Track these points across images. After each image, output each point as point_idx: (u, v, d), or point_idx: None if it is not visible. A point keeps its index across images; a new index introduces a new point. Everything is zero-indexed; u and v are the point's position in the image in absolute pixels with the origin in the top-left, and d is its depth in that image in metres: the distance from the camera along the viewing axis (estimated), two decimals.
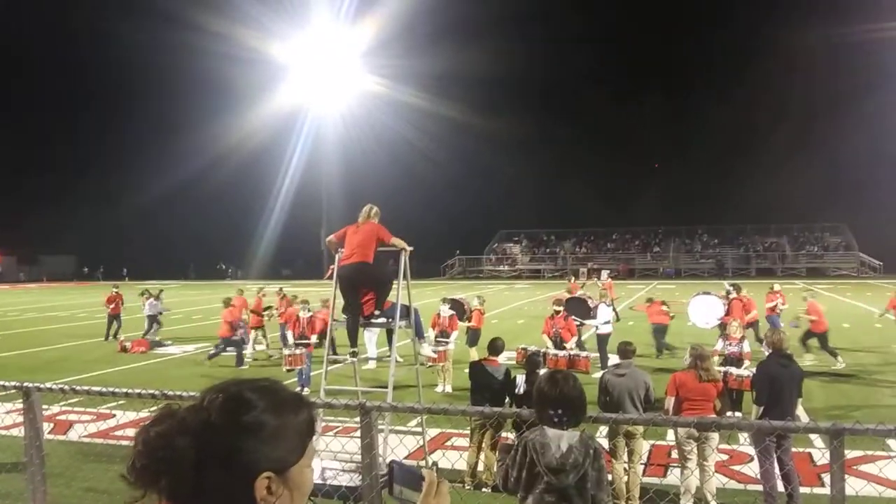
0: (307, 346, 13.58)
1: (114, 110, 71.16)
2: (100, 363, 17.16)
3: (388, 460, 1.63)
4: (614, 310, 23.79)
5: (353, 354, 8.31)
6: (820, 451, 8.71)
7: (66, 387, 5.51)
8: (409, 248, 8.23)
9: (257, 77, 56.68)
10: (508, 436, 8.03)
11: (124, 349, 19.17)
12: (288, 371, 13.19)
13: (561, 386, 3.84)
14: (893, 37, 48.02)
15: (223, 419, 1.32)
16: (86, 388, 5.37)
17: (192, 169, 61.39)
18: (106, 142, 72.65)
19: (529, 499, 3.88)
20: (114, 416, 11.55)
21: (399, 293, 8.39)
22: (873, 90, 54.23)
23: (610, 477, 7.79)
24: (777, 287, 18.19)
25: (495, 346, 8.92)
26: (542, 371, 8.10)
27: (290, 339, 13.87)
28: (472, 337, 15.55)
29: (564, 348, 12.58)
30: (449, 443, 9.81)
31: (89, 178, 70.20)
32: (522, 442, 3.97)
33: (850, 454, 8.13)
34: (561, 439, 3.78)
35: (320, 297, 18.58)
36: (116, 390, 4.92)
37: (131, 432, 9.94)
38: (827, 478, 3.77)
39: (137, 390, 4.87)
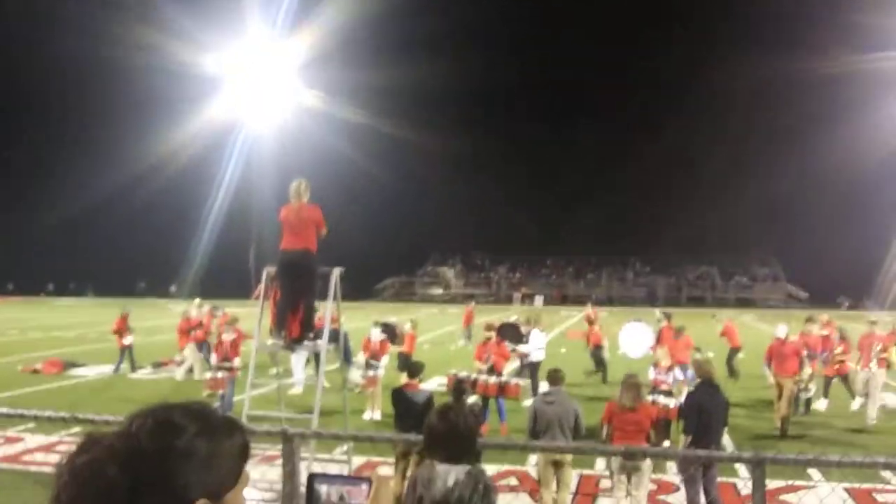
0: (230, 369, 13.17)
1: (35, 121, 69.07)
2: (8, 385, 16.37)
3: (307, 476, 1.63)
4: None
5: (280, 336, 8.07)
6: (743, 481, 8.81)
7: None
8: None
9: (189, 90, 55.66)
10: None
11: (36, 370, 18.39)
12: (208, 396, 12.77)
13: (450, 420, 3.76)
14: (826, 74, 50.00)
15: (154, 445, 1.25)
16: None
17: (119, 184, 59.92)
18: (24, 153, 70.38)
19: None
20: (23, 439, 11.02)
21: (328, 315, 8.21)
22: (803, 126, 56.50)
23: None
24: (825, 318, 16.46)
25: (413, 370, 8.78)
26: (470, 398, 8.01)
27: (213, 362, 13.46)
28: (403, 362, 15.38)
29: (497, 374, 12.45)
30: (376, 472, 9.58)
31: (3, 189, 67.81)
32: (413, 477, 3.92)
33: (772, 484, 8.25)
34: (448, 474, 3.69)
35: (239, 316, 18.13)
36: (25, 412, 4.66)
37: (41, 457, 9.52)
38: None
39: (48, 413, 4.59)
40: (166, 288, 67.21)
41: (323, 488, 1.67)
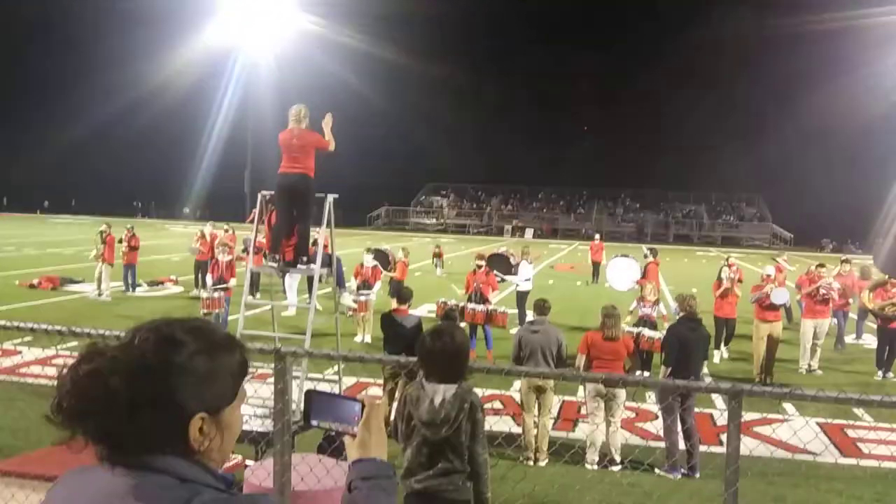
0: (225, 289, 13.36)
1: (24, 45, 67.61)
2: (5, 298, 16.54)
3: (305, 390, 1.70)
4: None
5: (274, 259, 8.19)
6: (720, 412, 9.11)
7: None
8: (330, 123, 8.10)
9: (185, 14, 54.23)
10: None
11: (32, 285, 18.55)
12: (205, 314, 12.99)
13: (442, 339, 3.88)
14: (820, 25, 49.39)
15: (157, 359, 1.29)
16: None
17: (114, 109, 59.07)
18: (21, 74, 69.05)
19: (408, 451, 3.96)
20: (20, 352, 11.19)
21: (321, 240, 8.32)
22: (794, 72, 55.99)
23: (520, 429, 8.02)
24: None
25: (402, 295, 8.93)
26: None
27: (209, 282, 13.63)
28: (395, 288, 15.58)
29: (484, 302, 12.64)
30: (365, 392, 9.85)
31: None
32: (402, 396, 4.06)
33: (748, 416, 8.54)
34: (436, 393, 3.83)
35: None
36: (22, 325, 4.74)
37: (38, 369, 9.70)
38: (725, 437, 3.95)
39: (44, 325, 4.70)
40: (165, 210, 67.11)
41: (315, 406, 1.72)
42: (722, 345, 13.19)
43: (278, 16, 54.99)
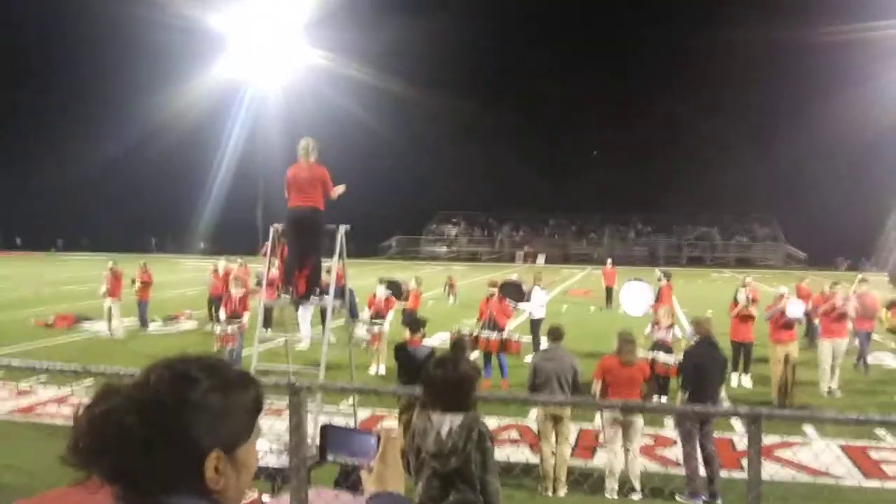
0: (239, 324, 13.36)
1: (43, 77, 68.50)
2: (21, 337, 16.62)
3: (320, 424, 1.68)
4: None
5: (287, 292, 8.19)
6: (740, 437, 8.99)
7: None
8: (341, 190, 8.16)
9: (194, 48, 54.84)
10: None
11: (48, 324, 18.63)
12: (219, 350, 12.99)
13: (444, 368, 3.85)
14: (830, 39, 49.47)
15: (172, 397, 1.29)
16: (6, 361, 5.17)
17: (127, 141, 59.72)
18: (32, 109, 69.82)
19: (419, 484, 3.89)
20: (35, 392, 11.22)
21: (334, 272, 8.33)
22: (806, 90, 55.98)
23: (537, 459, 7.95)
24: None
25: (414, 326, 8.91)
26: (472, 354, 8.16)
27: (223, 317, 13.64)
28: (408, 318, 15.55)
29: (498, 330, 12.58)
30: (380, 425, 9.81)
31: (9, 145, 67.52)
32: (412, 427, 4.00)
33: (768, 440, 8.41)
34: (443, 424, 3.77)
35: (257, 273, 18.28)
36: (38, 365, 4.76)
37: (53, 409, 9.69)
38: (745, 462, 3.89)
39: (59, 365, 4.72)
40: (176, 244, 67.48)
41: (331, 441, 1.72)
42: (741, 370, 13.01)
43: (287, 50, 55.74)
